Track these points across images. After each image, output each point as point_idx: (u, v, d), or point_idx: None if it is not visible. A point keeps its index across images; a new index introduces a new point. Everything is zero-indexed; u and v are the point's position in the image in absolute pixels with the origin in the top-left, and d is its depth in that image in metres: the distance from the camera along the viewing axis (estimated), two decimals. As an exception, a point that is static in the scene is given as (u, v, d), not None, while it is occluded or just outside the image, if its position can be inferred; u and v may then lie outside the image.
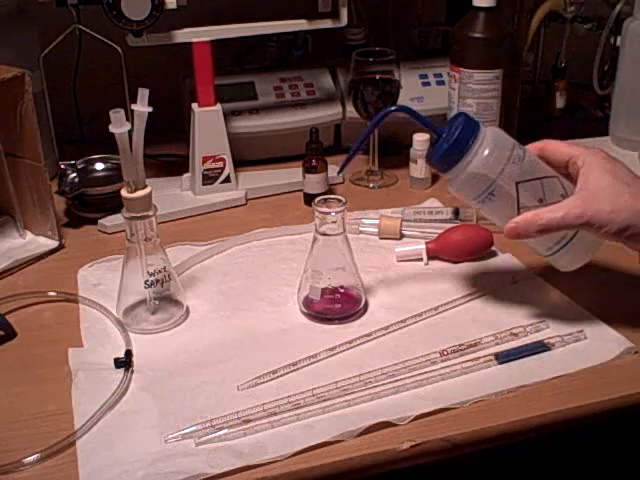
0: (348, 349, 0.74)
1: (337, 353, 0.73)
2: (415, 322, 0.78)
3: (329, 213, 0.75)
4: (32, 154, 0.90)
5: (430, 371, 0.70)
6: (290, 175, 1.09)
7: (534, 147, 0.74)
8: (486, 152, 0.70)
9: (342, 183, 1.10)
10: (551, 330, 0.75)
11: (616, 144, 1.13)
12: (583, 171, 0.71)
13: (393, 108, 0.75)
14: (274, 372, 0.70)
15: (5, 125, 0.89)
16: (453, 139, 0.70)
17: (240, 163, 1.08)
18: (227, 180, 1.05)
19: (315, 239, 0.77)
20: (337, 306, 0.78)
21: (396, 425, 0.64)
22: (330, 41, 1.20)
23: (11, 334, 0.77)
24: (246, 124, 1.12)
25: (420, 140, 1.07)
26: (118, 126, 0.70)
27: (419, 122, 0.74)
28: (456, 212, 0.96)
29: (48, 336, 0.77)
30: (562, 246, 0.73)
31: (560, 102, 1.28)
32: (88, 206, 1.00)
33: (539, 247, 0.75)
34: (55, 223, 0.93)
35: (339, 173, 0.74)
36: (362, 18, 1.25)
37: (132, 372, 0.71)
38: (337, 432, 0.62)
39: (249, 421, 0.64)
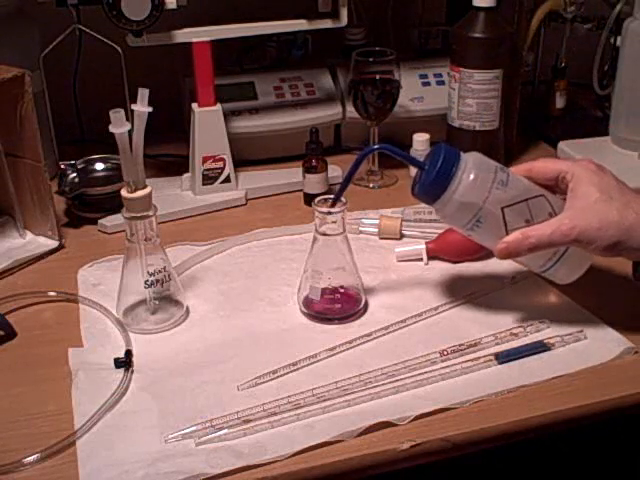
0: (348, 349, 0.74)
1: (337, 353, 0.73)
2: (415, 322, 0.78)
3: (329, 213, 0.75)
4: (32, 154, 0.90)
5: (430, 371, 0.70)
6: (290, 175, 1.09)
7: (521, 169, 0.75)
8: (471, 177, 0.71)
9: (342, 183, 1.10)
10: (551, 330, 0.75)
11: (616, 144, 1.13)
12: (572, 186, 0.71)
13: (375, 147, 0.83)
14: (274, 372, 0.70)
15: (5, 125, 0.89)
16: (436, 170, 0.70)
17: (240, 163, 1.08)
18: (227, 180, 1.05)
19: (315, 239, 0.77)
20: (337, 306, 0.78)
21: (396, 425, 0.64)
22: (330, 41, 1.20)
23: (11, 334, 0.77)
24: (246, 124, 1.12)
25: (420, 140, 1.07)
26: (118, 126, 0.70)
27: (401, 159, 0.75)
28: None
29: (48, 336, 0.77)
30: (554, 262, 0.74)
31: (560, 102, 1.28)
32: (88, 206, 1.00)
33: (532, 265, 0.76)
34: (55, 223, 0.93)
35: (330, 209, 0.75)
36: (362, 18, 1.25)
37: (132, 372, 0.71)
38: (337, 432, 0.62)
39: (249, 421, 0.64)
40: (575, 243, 0.70)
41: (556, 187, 0.74)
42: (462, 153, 0.72)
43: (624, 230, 0.68)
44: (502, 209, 0.71)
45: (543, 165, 0.74)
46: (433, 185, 0.71)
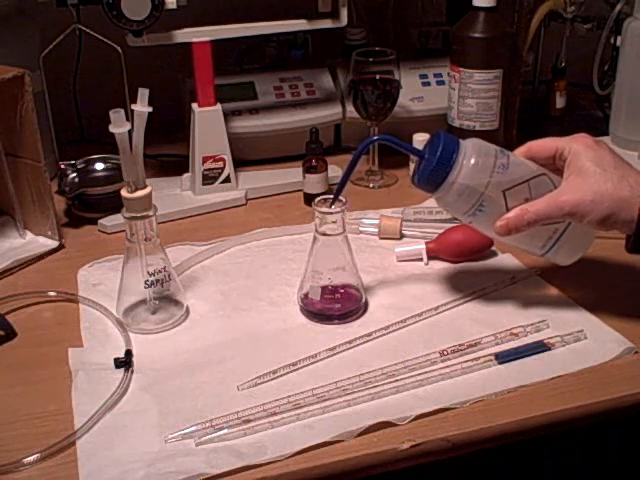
0: (348, 349, 0.74)
1: (337, 353, 0.73)
2: (415, 322, 0.78)
3: (329, 213, 0.75)
4: (32, 154, 0.90)
5: (430, 371, 0.70)
6: (290, 175, 1.09)
7: (520, 150, 0.75)
8: (472, 161, 0.71)
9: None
10: (551, 330, 0.75)
11: (616, 144, 1.12)
12: (568, 161, 0.72)
13: (375, 138, 0.81)
14: (274, 372, 0.70)
15: (5, 125, 0.89)
16: (437, 157, 0.70)
17: (240, 163, 1.08)
18: (227, 180, 1.05)
19: (315, 239, 0.77)
20: (337, 306, 0.78)
21: (396, 425, 0.64)
22: (330, 41, 1.20)
23: (11, 334, 0.77)
24: (246, 124, 1.12)
25: (420, 140, 1.07)
26: (118, 126, 0.71)
27: (400, 149, 0.75)
28: (456, 212, 0.96)
29: (48, 336, 0.77)
30: (555, 241, 0.74)
31: (560, 102, 1.28)
32: (88, 206, 1.00)
33: (533, 247, 0.76)
34: (55, 223, 0.93)
35: (331, 206, 0.75)
36: (362, 18, 1.25)
37: (132, 372, 0.71)
38: (337, 432, 0.62)
39: (249, 421, 0.64)
40: (570, 216, 0.71)
41: (555, 164, 0.74)
42: (461, 140, 0.72)
43: (618, 202, 0.69)
44: (504, 192, 0.71)
45: (541, 143, 0.75)
46: (434, 173, 0.71)
